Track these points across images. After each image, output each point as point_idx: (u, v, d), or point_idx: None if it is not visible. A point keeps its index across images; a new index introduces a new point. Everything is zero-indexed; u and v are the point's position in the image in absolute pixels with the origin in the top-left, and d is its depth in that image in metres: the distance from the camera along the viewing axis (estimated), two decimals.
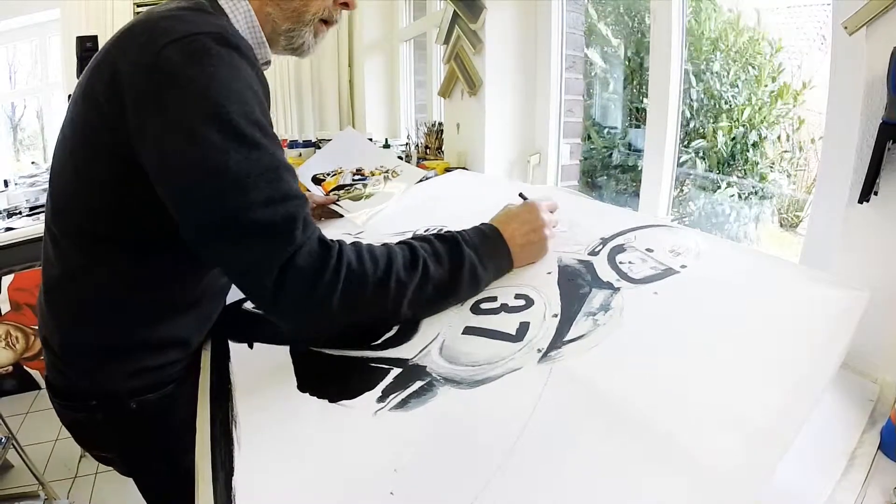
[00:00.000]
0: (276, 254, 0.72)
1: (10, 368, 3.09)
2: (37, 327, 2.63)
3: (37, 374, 3.05)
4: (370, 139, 2.19)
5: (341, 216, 1.46)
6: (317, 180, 1.63)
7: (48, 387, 1.03)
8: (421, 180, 1.59)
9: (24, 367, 3.10)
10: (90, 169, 0.86)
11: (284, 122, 4.57)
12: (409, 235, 1.17)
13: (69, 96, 0.89)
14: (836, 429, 0.72)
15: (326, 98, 4.52)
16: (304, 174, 1.65)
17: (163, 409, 0.99)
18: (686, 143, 1.92)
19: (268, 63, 0.98)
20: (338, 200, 1.50)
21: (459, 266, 0.85)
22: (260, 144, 0.75)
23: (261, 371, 0.84)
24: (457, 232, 0.90)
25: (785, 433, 0.53)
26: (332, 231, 1.37)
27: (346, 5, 0.99)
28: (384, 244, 0.83)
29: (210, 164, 0.72)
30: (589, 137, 2.46)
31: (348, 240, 1.26)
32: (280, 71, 4.50)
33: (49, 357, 1.01)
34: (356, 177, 1.63)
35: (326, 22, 0.99)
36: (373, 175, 1.63)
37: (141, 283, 0.92)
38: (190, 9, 0.84)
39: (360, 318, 0.80)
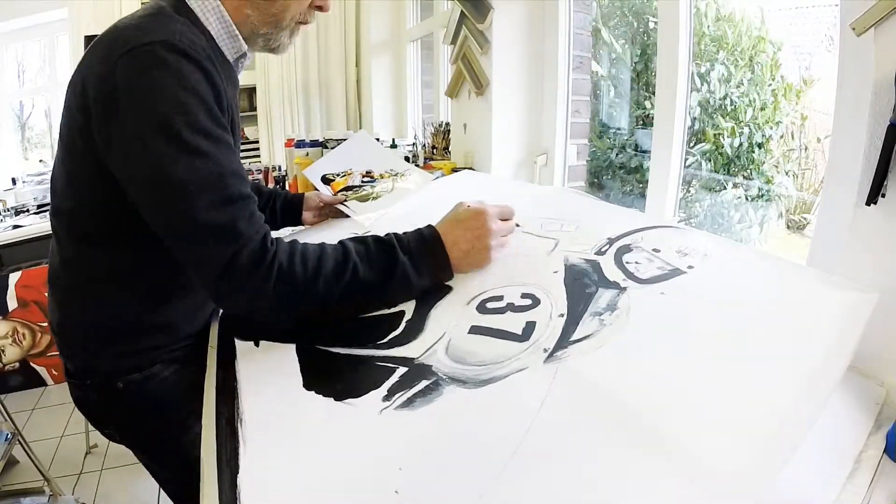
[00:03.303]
0: (220, 252, 0.82)
1: (17, 365, 3.10)
2: (44, 324, 2.66)
3: (43, 371, 3.06)
4: (377, 139, 2.19)
5: (348, 216, 1.47)
6: (326, 180, 1.64)
7: (63, 366, 1.12)
8: None
9: (31, 363, 3.12)
10: (74, 174, 0.95)
11: (292, 122, 4.58)
12: None
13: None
14: (842, 432, 0.71)
15: (334, 98, 4.53)
16: (314, 173, 1.67)
17: (149, 390, 1.07)
18: (692, 144, 1.92)
19: (244, 56, 1.03)
20: (345, 201, 1.50)
21: (390, 270, 0.89)
22: (204, 152, 0.82)
23: (267, 369, 0.84)
24: (395, 235, 0.94)
25: (791, 436, 0.53)
26: (337, 231, 1.37)
27: (320, 8, 1.03)
28: (321, 244, 0.90)
29: (159, 173, 0.81)
30: (598, 138, 2.45)
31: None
32: (287, 71, 4.51)
33: (56, 339, 1.11)
34: (365, 179, 1.64)
35: (302, 22, 1.04)
36: (382, 178, 1.64)
37: (126, 272, 1.01)
38: (151, 15, 0.89)
39: (296, 311, 0.89)
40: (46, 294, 1.12)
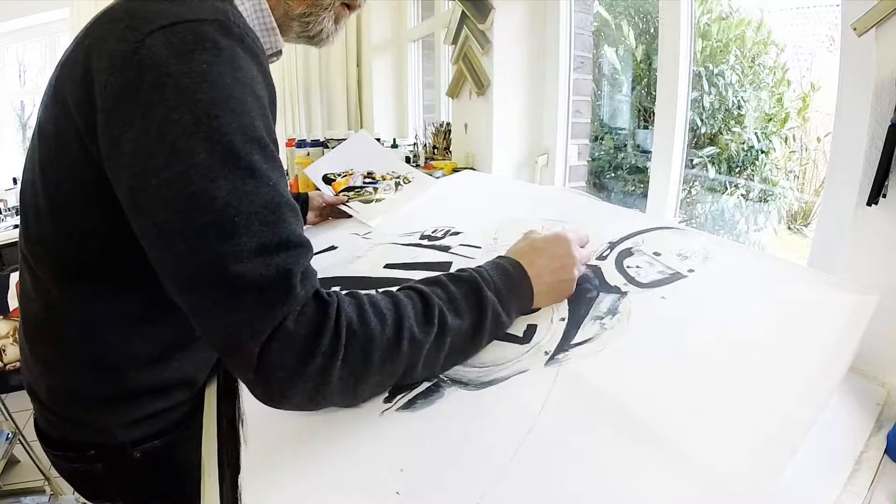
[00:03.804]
0: (265, 317, 0.57)
1: (18, 364, 3.11)
2: None
3: None
4: (378, 139, 2.19)
5: (350, 216, 1.47)
6: (327, 180, 1.64)
7: (38, 435, 0.91)
8: None
9: None
10: (61, 189, 0.72)
11: (293, 122, 4.57)
12: (417, 236, 1.17)
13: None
14: (843, 432, 0.71)
15: (334, 98, 4.52)
16: (314, 173, 1.67)
17: (170, 454, 0.89)
18: (697, 146, 1.92)
19: (278, 54, 0.85)
20: (348, 202, 1.51)
21: (482, 315, 0.71)
22: (258, 171, 0.60)
23: None
24: (475, 271, 0.75)
25: (792, 437, 0.53)
26: (340, 231, 1.37)
27: None
28: (386, 291, 0.68)
29: (191, 191, 0.57)
30: (597, 138, 2.45)
31: (356, 240, 1.27)
32: (288, 69, 4.50)
33: (36, 405, 0.90)
34: (367, 180, 1.64)
35: (349, 6, 0.87)
36: (384, 179, 1.64)
37: (137, 319, 0.81)
38: None
39: (363, 390, 0.65)
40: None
